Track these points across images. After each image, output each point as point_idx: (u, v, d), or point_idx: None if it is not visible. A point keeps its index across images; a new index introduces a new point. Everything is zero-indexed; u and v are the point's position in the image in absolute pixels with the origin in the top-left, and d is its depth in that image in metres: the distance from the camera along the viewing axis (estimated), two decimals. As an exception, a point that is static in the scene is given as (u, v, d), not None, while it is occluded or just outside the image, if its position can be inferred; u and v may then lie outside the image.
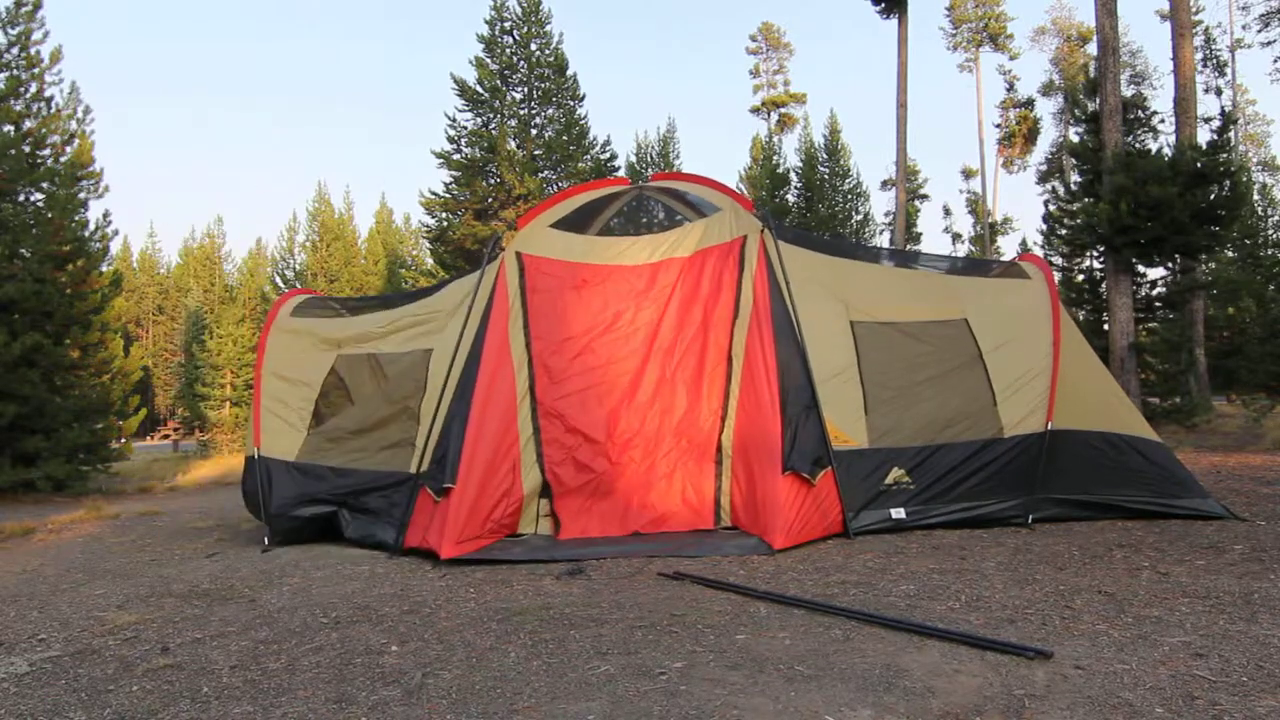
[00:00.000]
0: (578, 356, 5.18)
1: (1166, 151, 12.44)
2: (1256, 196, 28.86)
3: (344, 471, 5.09)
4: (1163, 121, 13.76)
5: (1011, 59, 41.13)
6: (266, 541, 5.01)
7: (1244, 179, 14.72)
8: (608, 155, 25.91)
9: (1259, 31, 28.71)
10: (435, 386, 5.03)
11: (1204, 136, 13.87)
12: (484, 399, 4.70)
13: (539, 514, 4.93)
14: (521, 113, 24.73)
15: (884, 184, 39.74)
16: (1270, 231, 29.49)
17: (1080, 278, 14.87)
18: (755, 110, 45.28)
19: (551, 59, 25.01)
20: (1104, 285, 13.29)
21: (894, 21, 22.28)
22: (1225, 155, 12.35)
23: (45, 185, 10.65)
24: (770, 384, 4.73)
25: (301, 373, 5.48)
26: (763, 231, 5.23)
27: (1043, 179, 39.72)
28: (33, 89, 10.92)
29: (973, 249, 41.73)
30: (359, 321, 5.75)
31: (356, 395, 5.34)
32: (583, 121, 25.36)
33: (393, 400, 5.19)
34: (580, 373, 5.15)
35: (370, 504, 4.96)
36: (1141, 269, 13.18)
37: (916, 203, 39.33)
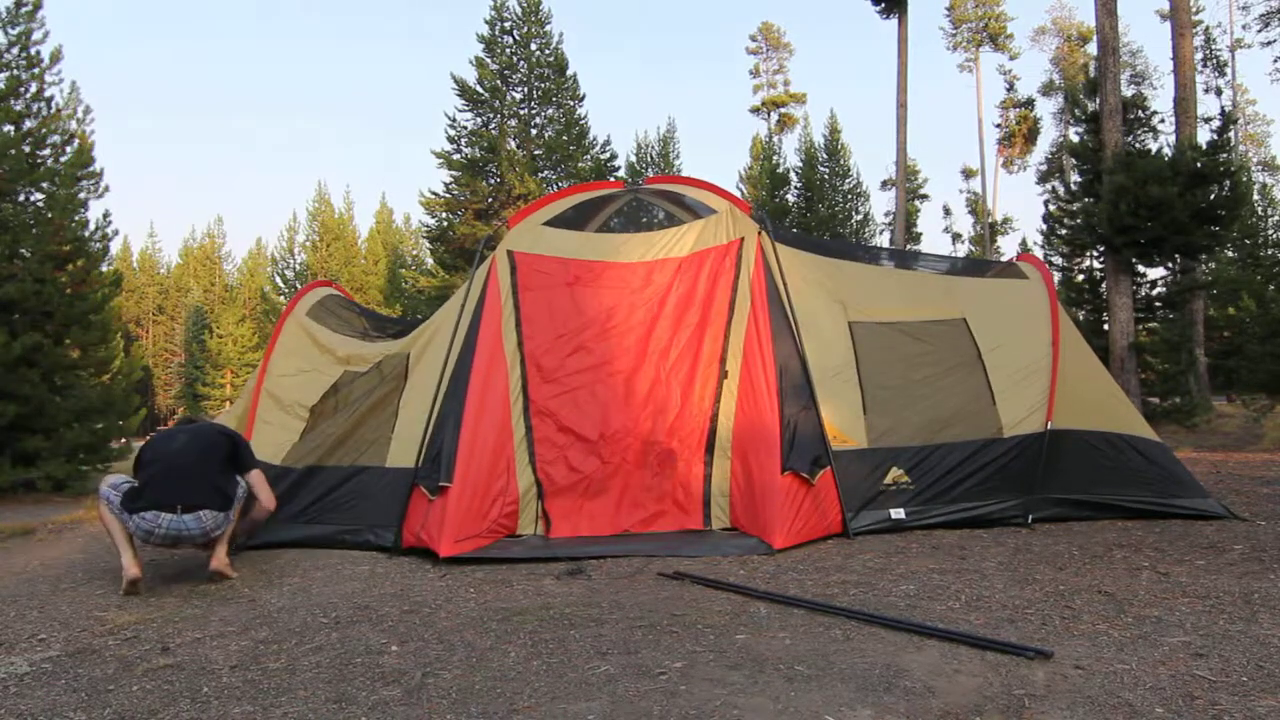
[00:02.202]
0: (571, 355, 5.18)
1: (1166, 151, 12.44)
2: (1256, 196, 28.86)
3: (323, 470, 4.98)
4: (1163, 121, 13.76)
5: (1011, 59, 41.15)
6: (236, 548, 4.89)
7: (1244, 179, 14.73)
8: (608, 155, 25.92)
9: (1259, 31, 28.73)
10: (419, 383, 4.99)
11: (1204, 136, 13.88)
12: (478, 398, 4.70)
13: (538, 514, 4.93)
14: (521, 113, 24.73)
15: (884, 184, 39.74)
16: (1270, 231, 29.50)
17: (1080, 278, 14.87)
18: (755, 110, 45.28)
19: (551, 59, 25.00)
20: (1104, 285, 13.29)
21: (894, 21, 22.31)
22: (1225, 155, 12.35)
23: (45, 185, 10.64)
24: (769, 384, 4.73)
25: (303, 378, 5.41)
26: (760, 234, 5.23)
27: (1043, 179, 39.72)
28: (33, 89, 10.91)
29: (973, 249, 41.73)
30: (371, 346, 5.69)
31: (346, 402, 5.28)
32: (583, 121, 25.37)
33: (374, 399, 5.15)
34: (573, 372, 5.15)
35: (347, 500, 4.88)
36: (1141, 269, 13.18)
37: (916, 203, 39.32)
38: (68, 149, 11.23)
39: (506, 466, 4.77)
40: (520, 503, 4.82)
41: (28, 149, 10.63)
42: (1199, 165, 11.48)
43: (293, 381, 5.43)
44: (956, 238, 43.59)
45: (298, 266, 44.88)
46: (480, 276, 5.24)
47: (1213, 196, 11.67)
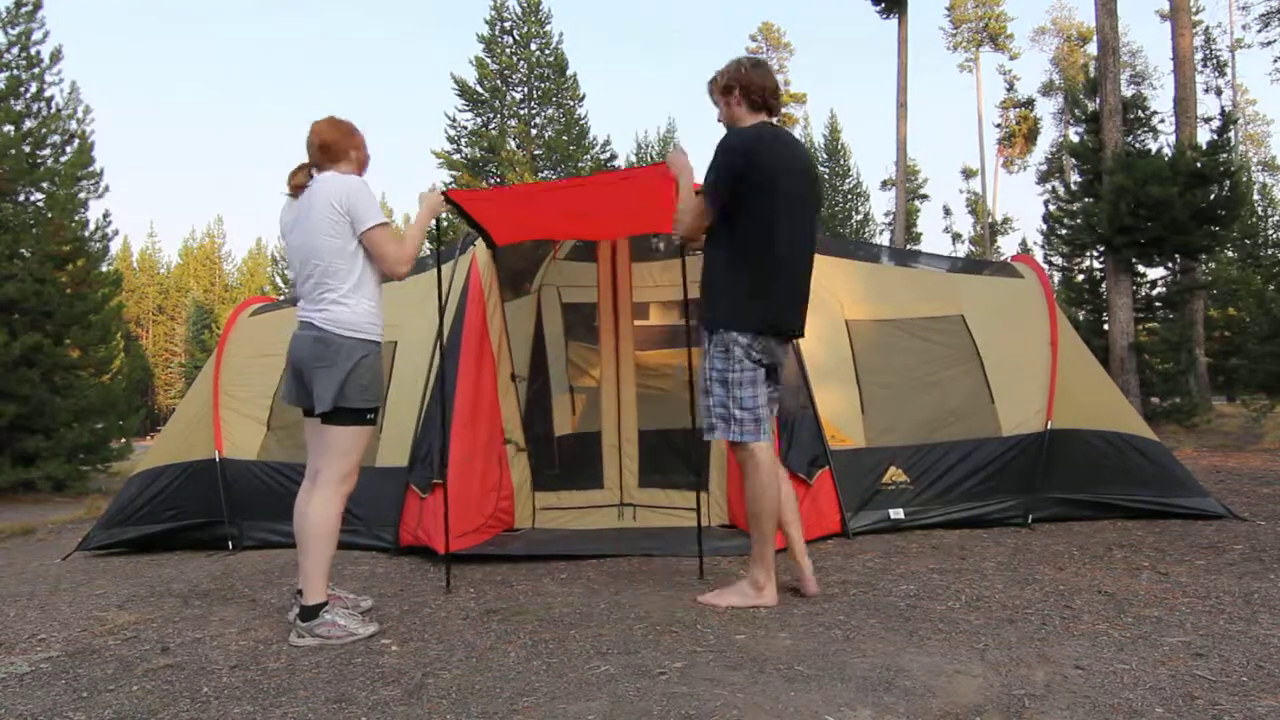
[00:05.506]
0: None
1: (1166, 151, 12.45)
2: (1256, 196, 28.87)
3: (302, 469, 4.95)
4: (1163, 121, 13.78)
5: (1011, 59, 41.17)
6: (231, 546, 4.87)
7: (1244, 179, 14.76)
8: (608, 155, 25.94)
9: (1259, 31, 28.77)
10: (406, 380, 4.96)
11: (1204, 136, 13.89)
12: (466, 392, 4.68)
13: (536, 507, 4.95)
14: (521, 113, 24.75)
15: (884, 184, 39.74)
16: (1270, 231, 29.52)
17: (1080, 278, 14.88)
18: (755, 110, 45.19)
19: (551, 59, 25.02)
20: (1104, 285, 13.30)
21: (894, 21, 22.33)
22: (1225, 155, 12.37)
23: (45, 185, 10.65)
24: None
25: (260, 363, 5.28)
26: None
27: (1043, 179, 39.72)
28: (33, 89, 10.92)
29: (973, 249, 41.73)
30: None
31: None
32: (583, 121, 25.41)
33: None
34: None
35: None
36: (1141, 269, 13.19)
37: (916, 203, 39.31)
38: (68, 149, 11.24)
39: (499, 461, 4.80)
40: (516, 497, 4.85)
41: (28, 149, 10.64)
42: (1199, 165, 11.48)
43: (249, 369, 5.30)
44: (956, 238, 43.59)
45: (298, 266, 44.92)
46: (461, 271, 5.19)
47: (1213, 196, 11.67)
